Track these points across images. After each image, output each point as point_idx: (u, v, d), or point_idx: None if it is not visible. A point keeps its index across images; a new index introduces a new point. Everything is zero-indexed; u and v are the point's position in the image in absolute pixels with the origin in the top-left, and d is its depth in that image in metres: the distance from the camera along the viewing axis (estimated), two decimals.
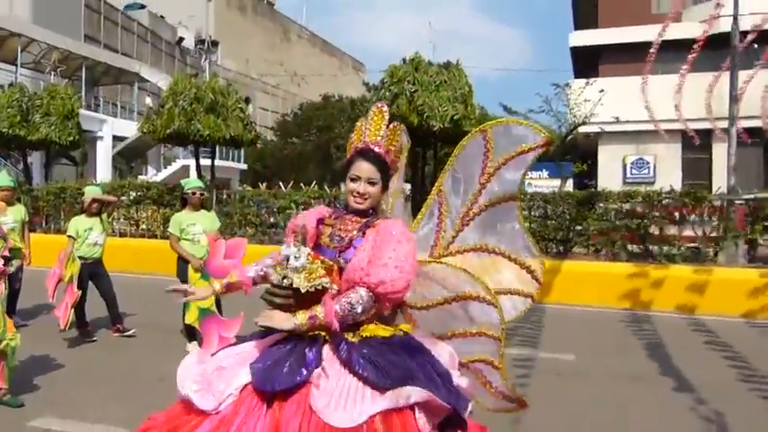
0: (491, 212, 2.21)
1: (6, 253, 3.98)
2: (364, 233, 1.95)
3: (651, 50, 11.11)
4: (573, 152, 18.01)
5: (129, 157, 26.37)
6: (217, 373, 1.83)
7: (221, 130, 12.22)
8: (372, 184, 1.99)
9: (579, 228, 9.50)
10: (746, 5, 10.95)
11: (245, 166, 29.29)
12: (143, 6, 32.60)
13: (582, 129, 15.48)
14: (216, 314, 4.17)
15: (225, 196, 12.19)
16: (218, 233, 5.34)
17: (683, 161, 16.67)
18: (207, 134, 12.09)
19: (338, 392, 1.72)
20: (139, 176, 22.49)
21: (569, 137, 15.68)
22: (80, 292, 5.25)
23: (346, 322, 1.81)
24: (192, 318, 4.59)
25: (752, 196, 9.59)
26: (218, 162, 16.38)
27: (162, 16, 34.20)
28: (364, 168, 1.98)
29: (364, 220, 1.99)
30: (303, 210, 10.50)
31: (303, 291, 1.78)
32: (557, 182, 16.35)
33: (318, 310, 1.78)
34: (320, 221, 2.07)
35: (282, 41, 45.07)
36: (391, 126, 2.06)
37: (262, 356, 1.84)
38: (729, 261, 8.64)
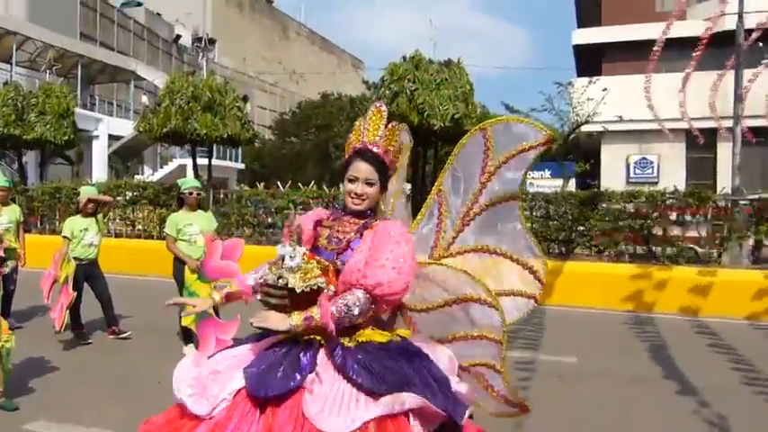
0: (492, 212, 2.19)
1: (1, 253, 4.00)
2: (362, 235, 1.93)
3: (655, 49, 11.01)
4: (575, 151, 18.02)
5: (126, 156, 26.25)
6: (212, 377, 1.82)
7: (218, 129, 12.16)
8: (370, 184, 1.97)
9: (582, 228, 9.45)
10: (751, 3, 10.85)
11: (242, 166, 29.16)
12: (139, 4, 32.44)
13: (585, 128, 15.43)
14: (213, 316, 4.07)
15: (222, 196, 12.13)
16: (216, 234, 5.34)
17: (687, 161, 16.61)
18: (204, 133, 12.03)
19: (332, 398, 1.70)
20: (136, 176, 22.18)
21: (572, 136, 15.66)
22: (75, 293, 5.23)
23: (342, 324, 1.79)
24: (188, 320, 4.47)
25: (756, 196, 9.53)
26: (215, 161, 16.34)
27: (158, 14, 34.07)
28: (362, 169, 1.96)
29: (362, 222, 1.97)
30: (302, 210, 10.50)
31: (298, 291, 1.76)
32: (559, 182, 16.30)
33: (314, 312, 1.76)
34: (318, 223, 2.05)
35: (281, 39, 44.89)
36: (390, 126, 2.04)
37: (257, 360, 1.83)
38: (734, 262, 8.60)
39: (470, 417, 1.92)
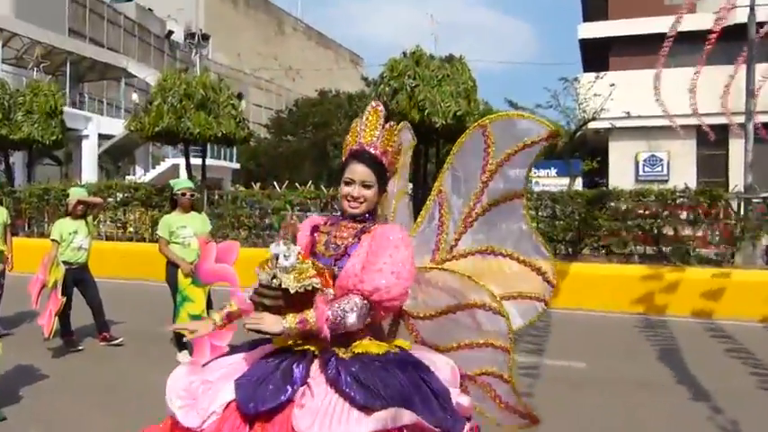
0: (495, 212, 2.15)
1: None
2: (360, 239, 1.89)
3: (665, 43, 10.79)
4: (582, 149, 17.94)
5: (116, 156, 26.05)
6: (203, 388, 1.81)
7: (212, 128, 12.07)
8: (367, 187, 1.92)
9: (589, 228, 9.31)
10: None
11: (237, 166, 29.00)
12: None
13: (591, 124, 15.22)
14: None
15: (216, 197, 12.06)
16: (210, 236, 5.26)
17: (698, 158, 16.37)
18: (197, 132, 11.94)
19: (323, 412, 1.67)
20: (127, 177, 22.36)
21: (578, 133, 15.54)
22: (65, 298, 5.18)
23: (338, 330, 1.75)
24: (183, 319, 4.50)
25: None
26: (209, 161, 16.23)
27: (150, 9, 33.74)
28: (358, 171, 1.92)
29: (360, 226, 1.92)
30: (299, 211, 10.39)
31: (293, 291, 1.73)
32: (565, 180, 16.12)
33: (309, 315, 1.73)
34: (315, 229, 2.01)
35: (276, 34, 44.51)
36: (387, 126, 1.98)
37: (249, 371, 1.81)
38: (747, 262, 8.46)
39: (471, 430, 1.88)
